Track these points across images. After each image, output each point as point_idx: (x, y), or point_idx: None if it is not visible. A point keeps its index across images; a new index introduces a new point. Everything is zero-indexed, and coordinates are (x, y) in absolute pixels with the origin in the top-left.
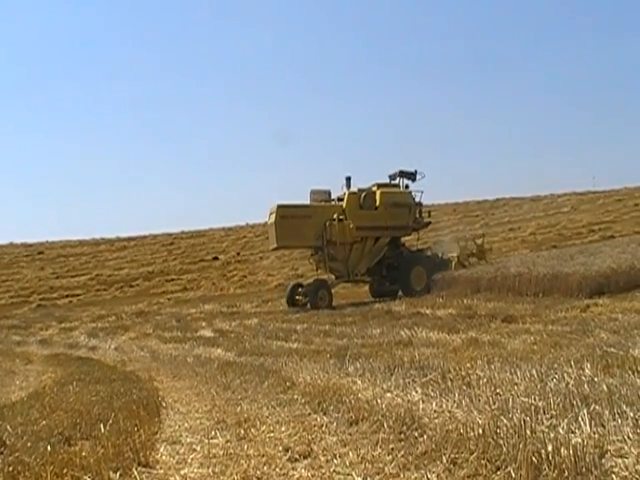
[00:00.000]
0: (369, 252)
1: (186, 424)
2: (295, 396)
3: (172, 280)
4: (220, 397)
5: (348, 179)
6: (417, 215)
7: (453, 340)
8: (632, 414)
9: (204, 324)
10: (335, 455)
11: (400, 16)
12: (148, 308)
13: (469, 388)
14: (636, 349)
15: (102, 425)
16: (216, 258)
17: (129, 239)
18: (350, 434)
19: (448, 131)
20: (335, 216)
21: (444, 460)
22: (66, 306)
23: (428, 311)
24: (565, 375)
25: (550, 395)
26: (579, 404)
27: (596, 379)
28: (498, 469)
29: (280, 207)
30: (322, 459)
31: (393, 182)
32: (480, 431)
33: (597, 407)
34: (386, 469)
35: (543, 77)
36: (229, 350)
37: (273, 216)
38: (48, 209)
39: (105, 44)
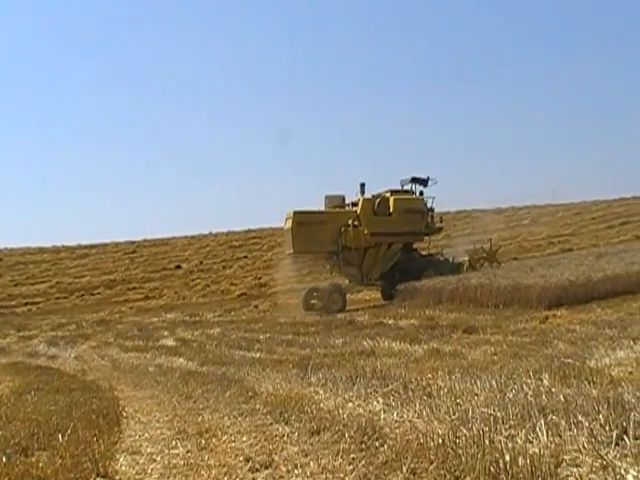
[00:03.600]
0: (383, 257)
1: (147, 434)
2: (257, 406)
3: (134, 288)
4: (181, 407)
5: (362, 185)
6: (429, 221)
7: (415, 350)
8: (587, 424)
9: (166, 333)
10: (296, 465)
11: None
12: (109, 317)
13: (430, 398)
14: (592, 360)
15: (60, 435)
16: (179, 267)
17: (91, 246)
18: (311, 444)
19: (411, 142)
20: (350, 222)
21: (404, 470)
22: (25, 314)
23: (390, 321)
24: (524, 386)
25: (509, 405)
26: (537, 414)
27: (554, 390)
28: (457, 479)
29: (297, 213)
30: (283, 469)
31: (405, 188)
32: (440, 441)
33: (554, 417)
34: (347, 479)
35: (505, 89)
36: (191, 359)
37: (289, 222)
38: (7, 215)
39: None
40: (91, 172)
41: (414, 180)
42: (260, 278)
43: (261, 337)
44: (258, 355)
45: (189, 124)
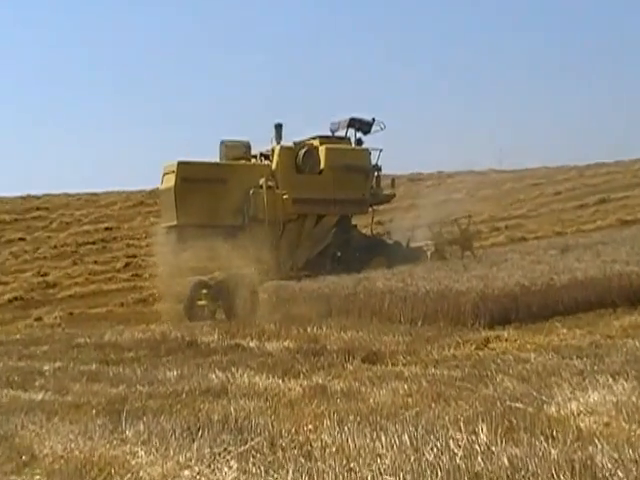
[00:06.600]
0: (309, 236)
1: None
2: (36, 477)
3: None
4: None
5: (279, 127)
6: (374, 184)
7: (290, 388)
8: None
9: None
10: None
11: None
12: None
13: (309, 461)
14: (552, 405)
15: None
16: None
17: None
18: None
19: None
20: (262, 182)
21: None
22: None
23: (253, 343)
24: (451, 442)
25: (428, 472)
26: None
27: (494, 449)
28: None
29: (182, 164)
30: None
31: (339, 134)
32: None
33: None
34: None
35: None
36: None
37: (171, 178)
38: None
39: None
40: None
41: (353, 123)
42: (46, 274)
43: (47, 368)
44: (41, 396)
45: None
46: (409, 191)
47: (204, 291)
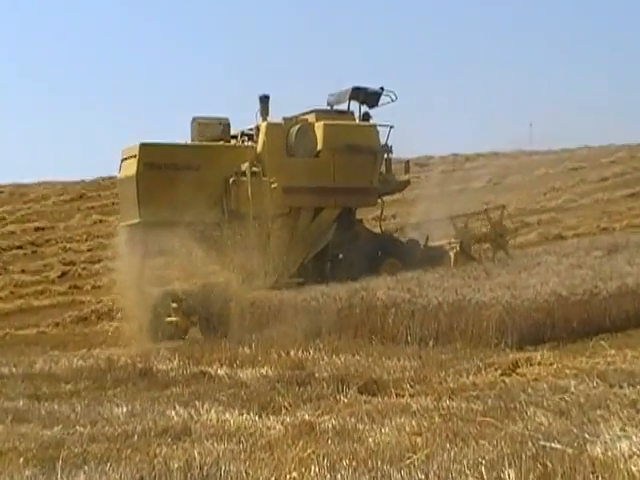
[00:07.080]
0: (304, 234)
1: None
2: None
3: None
4: None
5: (264, 99)
6: (382, 170)
7: (269, 427)
8: None
9: None
10: None
11: None
12: None
13: None
14: (597, 445)
15: None
16: None
17: None
18: None
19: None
20: (244, 167)
21: None
22: None
23: (222, 371)
24: None
25: None
26: None
27: None
28: None
29: (146, 147)
30: None
31: (338, 108)
32: None
33: None
34: None
35: None
36: None
37: (132, 164)
38: None
39: None
40: None
41: (356, 93)
42: None
43: None
44: None
45: None
46: (417, 178)
47: (174, 305)
